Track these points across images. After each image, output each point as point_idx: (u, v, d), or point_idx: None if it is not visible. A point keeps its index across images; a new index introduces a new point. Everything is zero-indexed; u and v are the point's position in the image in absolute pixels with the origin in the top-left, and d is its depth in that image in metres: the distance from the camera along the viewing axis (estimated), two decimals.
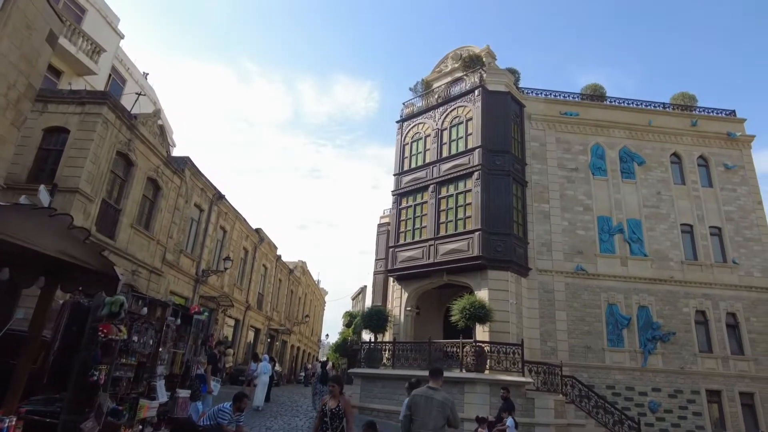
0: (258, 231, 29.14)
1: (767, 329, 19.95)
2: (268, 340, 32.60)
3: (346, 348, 36.96)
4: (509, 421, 10.06)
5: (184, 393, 6.41)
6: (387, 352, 18.25)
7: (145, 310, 5.11)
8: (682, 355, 19.17)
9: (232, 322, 26.81)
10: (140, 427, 5.03)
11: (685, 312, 19.73)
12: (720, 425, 18.68)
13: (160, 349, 5.66)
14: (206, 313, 6.96)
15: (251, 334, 29.82)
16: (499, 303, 17.09)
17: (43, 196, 7.36)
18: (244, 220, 26.56)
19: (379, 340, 19.64)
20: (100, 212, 14.69)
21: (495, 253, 17.73)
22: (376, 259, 27.09)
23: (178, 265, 19.72)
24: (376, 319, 19.14)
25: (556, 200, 20.63)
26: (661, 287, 19.88)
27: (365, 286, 45.13)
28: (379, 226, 27.84)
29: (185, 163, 20.02)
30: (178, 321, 6.09)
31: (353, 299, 54.69)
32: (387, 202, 22.21)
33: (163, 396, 5.49)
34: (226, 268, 22.39)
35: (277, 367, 27.41)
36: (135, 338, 4.83)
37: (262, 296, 31.01)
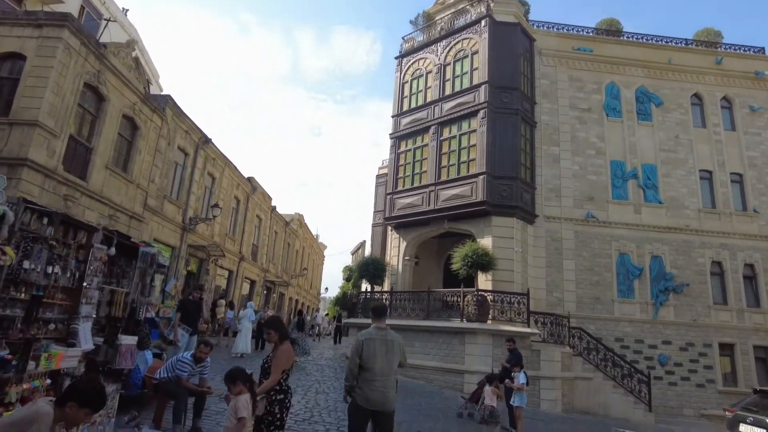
0: (250, 180, 27.78)
1: None
2: (265, 292, 31.85)
3: (345, 301, 36.41)
4: (521, 377, 9.02)
5: (128, 340, 5.27)
6: (385, 300, 17.29)
7: (50, 230, 3.86)
8: (695, 307, 18.19)
9: (225, 273, 25.90)
10: (48, 381, 3.88)
11: (700, 263, 18.62)
12: (731, 379, 17.93)
13: (85, 284, 4.44)
14: (154, 247, 5.67)
15: (246, 286, 29.01)
16: (503, 251, 15.95)
17: None
18: (235, 167, 25.16)
19: (377, 290, 18.69)
20: (68, 150, 13.30)
21: (500, 199, 16.43)
22: (374, 212, 25.91)
23: (162, 211, 18.51)
24: (372, 268, 18.10)
25: (566, 142, 19.14)
26: (675, 236, 18.69)
27: (364, 241, 44.23)
28: (378, 177, 26.49)
29: (166, 101, 18.45)
30: (112, 251, 4.85)
31: (353, 254, 53.94)
32: (387, 154, 20.73)
33: (87, 342, 4.33)
34: (214, 216, 21.19)
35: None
36: (27, 264, 3.59)
37: (257, 248, 30.01)
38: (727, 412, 8.08)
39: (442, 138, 18.06)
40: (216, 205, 20.99)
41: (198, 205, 21.58)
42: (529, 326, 14.29)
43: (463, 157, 17.26)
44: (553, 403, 13.60)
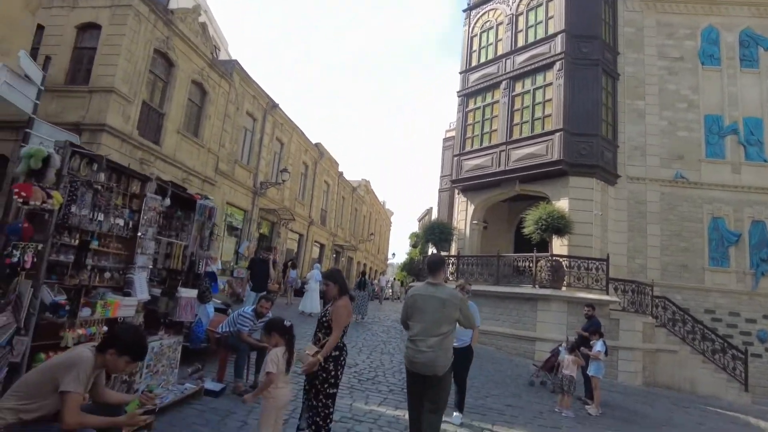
0: (318, 146, 27.92)
1: None
2: (333, 255, 32.43)
3: (412, 267, 36.41)
4: (599, 345, 8.33)
5: (187, 293, 5.24)
6: (451, 266, 16.86)
7: (101, 176, 3.75)
8: None
9: (295, 237, 26.51)
10: (104, 328, 3.85)
11: None
12: None
13: (139, 234, 4.37)
14: (212, 200, 5.55)
15: (316, 250, 29.62)
16: (580, 214, 14.86)
17: (24, 61, 6.10)
18: (302, 133, 25.30)
19: (444, 254, 18.23)
20: (142, 115, 13.79)
21: (578, 157, 15.22)
22: (441, 177, 25.22)
23: (233, 175, 18.99)
24: (438, 232, 17.61)
25: (653, 96, 17.29)
26: None
27: (431, 208, 43.65)
28: (445, 140, 25.66)
29: (233, 67, 18.65)
30: (167, 202, 4.75)
31: (419, 221, 53.61)
32: (454, 116, 19.81)
33: (143, 293, 4.28)
34: (283, 181, 21.50)
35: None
36: (74, 209, 3.48)
37: (325, 212, 30.41)
38: None
39: (514, 93, 16.91)
40: (285, 170, 21.27)
41: (268, 169, 21.98)
42: (608, 294, 13.32)
43: (538, 114, 16.10)
44: (632, 375, 12.70)
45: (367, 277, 18.83)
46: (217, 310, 7.06)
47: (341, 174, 32.70)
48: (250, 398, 3.54)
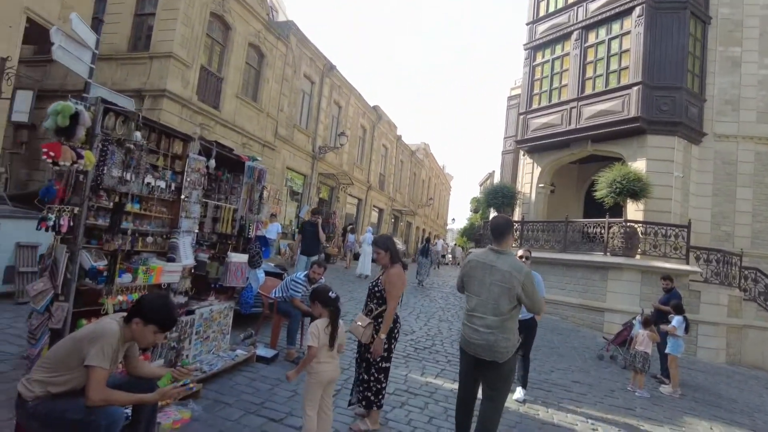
0: (375, 108, 27.40)
1: None
2: (392, 220, 32.29)
3: (472, 232, 35.69)
4: (677, 320, 7.55)
5: (237, 257, 5.09)
6: (516, 232, 16.12)
7: (138, 135, 3.54)
8: None
9: (354, 201, 26.50)
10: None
11: None
12: None
13: (183, 197, 4.19)
14: (260, 160, 5.30)
15: (374, 214, 29.56)
16: (659, 176, 13.57)
17: (77, 24, 6.02)
18: (360, 95, 24.84)
19: None
20: (201, 80, 13.86)
21: (659, 113, 13.79)
22: (504, 138, 24.01)
23: (292, 140, 18.98)
24: (501, 195, 16.83)
25: (752, 40, 15.19)
26: None
27: (493, 171, 42.12)
28: (509, 99, 24.24)
29: (289, 28, 18.34)
30: (212, 163, 4.53)
31: (481, 185, 52.17)
32: (520, 72, 18.51)
33: (188, 258, 4.12)
34: (341, 145, 21.29)
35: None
36: (108, 170, 3.29)
37: (384, 177, 30.12)
38: None
39: (586, 44, 15.48)
40: (343, 134, 21.03)
41: (326, 134, 21.84)
42: (688, 263, 12.20)
43: (613, 66, 14.66)
44: (713, 353, 11.69)
45: (430, 243, 18.47)
46: (271, 274, 6.97)
47: (399, 137, 32.11)
48: (292, 375, 3.31)
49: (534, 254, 13.73)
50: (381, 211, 30.29)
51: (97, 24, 7.10)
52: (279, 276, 7.28)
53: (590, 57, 15.33)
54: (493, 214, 18.76)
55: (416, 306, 11.30)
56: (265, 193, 5.37)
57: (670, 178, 13.69)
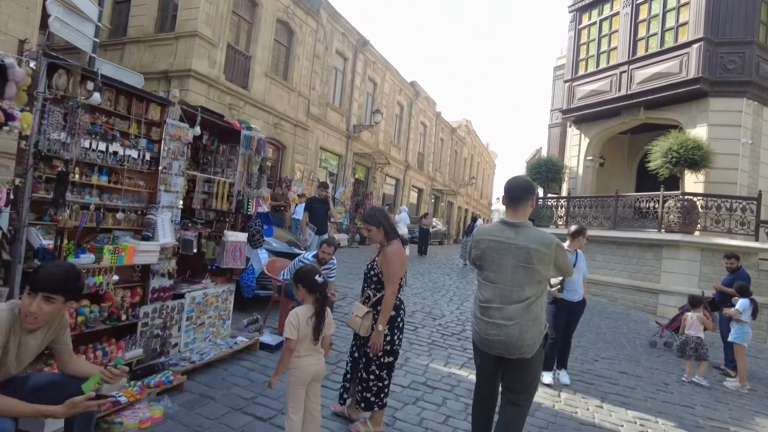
0: (413, 84, 26.50)
1: None
2: (432, 200, 31.49)
3: None
4: (741, 303, 6.59)
5: (235, 236, 4.65)
6: (560, 209, 15.13)
7: (96, 96, 3.08)
8: None
9: (392, 182, 25.92)
10: (114, 277, 3.31)
11: None
12: None
13: (161, 168, 3.74)
14: (255, 128, 4.78)
15: (414, 195, 28.88)
16: (723, 144, 12.18)
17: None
18: (396, 71, 24.03)
19: (551, 196, 16.46)
20: (228, 59, 13.57)
21: (723, 73, 12.34)
22: (551, 110, 22.61)
23: (325, 119, 18.54)
24: (545, 170, 15.76)
25: None
26: None
27: (540, 148, 40.36)
28: (555, 69, 22.69)
29: (320, 3, 17.73)
30: (197, 130, 4.07)
31: (527, 162, 50.28)
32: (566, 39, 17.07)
33: (166, 236, 3.68)
34: (376, 123, 20.68)
35: (438, 225, 26.49)
36: (49, 132, 2.84)
37: (423, 156, 29.30)
38: None
39: (638, 1, 14.04)
40: (377, 111, 20.39)
41: (360, 112, 21.26)
42: (757, 239, 10.91)
43: (669, 23, 13.22)
44: None
45: (477, 222, 17.71)
46: (282, 254, 6.52)
47: (439, 114, 31.07)
48: (274, 380, 2.83)
49: None
50: (420, 191, 29.57)
51: None
52: (289, 256, 6.83)
53: (643, 15, 13.89)
54: (539, 191, 17.69)
55: (451, 288, 10.68)
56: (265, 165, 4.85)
57: (737, 145, 12.27)
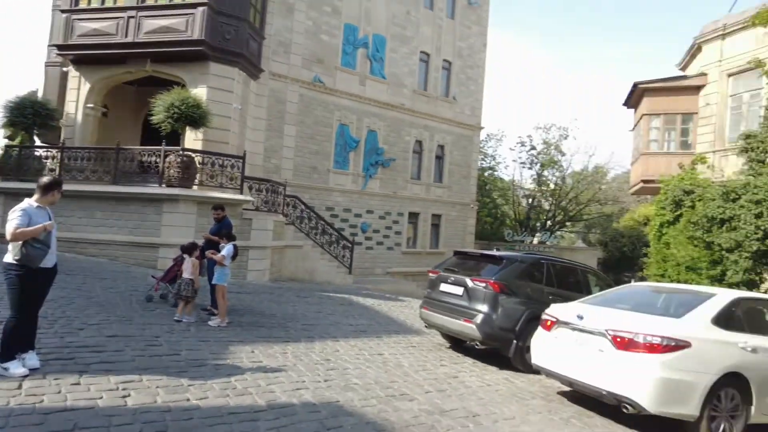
0: None
1: (463, 161, 22.36)
2: None
3: None
4: (227, 249, 7.43)
5: None
6: (53, 160, 12.95)
7: None
8: (397, 181, 19.91)
9: None
10: None
11: (406, 140, 20.15)
12: (412, 243, 20.81)
13: None
14: None
15: None
16: (219, 106, 13.45)
17: None
18: None
19: (40, 144, 13.93)
20: None
21: (223, 42, 13.45)
22: (49, 46, 18.69)
23: None
24: (32, 112, 13.04)
25: None
26: (391, 113, 19.51)
27: (36, 90, 33.29)
28: None
29: None
30: None
31: (8, 102, 40.87)
32: None
33: None
34: None
35: None
36: None
37: None
38: (430, 274, 8.43)
39: None
40: None
41: None
42: (242, 193, 12.77)
43: None
44: (260, 273, 12.86)
45: None
46: None
47: None
48: None
49: (79, 187, 11.51)
50: None
51: None
52: None
53: None
54: (18, 138, 14.47)
55: None
56: None
57: (230, 109, 13.83)
